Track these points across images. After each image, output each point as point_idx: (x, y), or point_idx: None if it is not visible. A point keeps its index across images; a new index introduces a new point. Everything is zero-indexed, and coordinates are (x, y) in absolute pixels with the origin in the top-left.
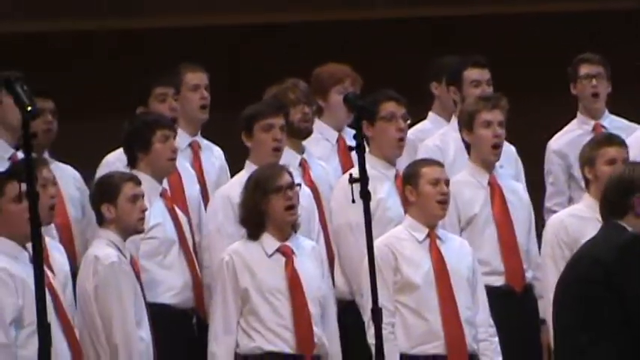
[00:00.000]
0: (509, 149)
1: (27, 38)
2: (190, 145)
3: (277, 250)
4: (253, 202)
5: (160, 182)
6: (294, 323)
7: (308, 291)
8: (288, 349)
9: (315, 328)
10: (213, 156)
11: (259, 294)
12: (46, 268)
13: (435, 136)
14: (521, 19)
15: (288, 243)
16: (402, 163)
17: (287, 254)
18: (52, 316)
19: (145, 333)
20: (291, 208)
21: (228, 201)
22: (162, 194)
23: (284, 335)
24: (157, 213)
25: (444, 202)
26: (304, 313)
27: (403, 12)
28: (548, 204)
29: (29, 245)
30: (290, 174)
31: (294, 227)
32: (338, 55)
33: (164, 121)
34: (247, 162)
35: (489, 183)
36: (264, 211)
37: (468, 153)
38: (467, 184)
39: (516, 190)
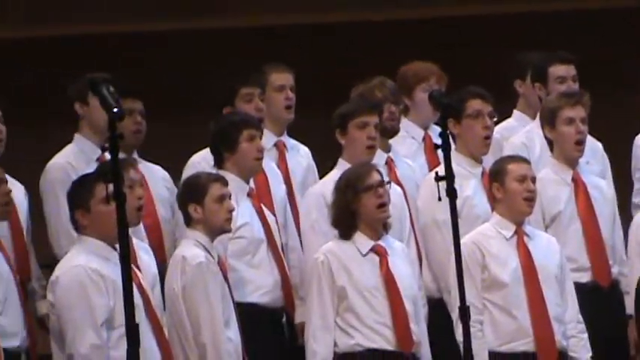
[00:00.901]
0: (595, 145)
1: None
2: (276, 145)
3: (371, 249)
4: (345, 202)
5: (247, 182)
6: (392, 320)
7: (402, 289)
8: (388, 346)
9: (412, 326)
10: (300, 155)
11: (357, 292)
12: (135, 269)
13: (521, 133)
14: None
15: (380, 242)
16: (488, 161)
17: (381, 253)
18: (141, 316)
19: (233, 333)
20: (383, 205)
21: (322, 199)
22: (250, 194)
23: (383, 332)
24: (244, 212)
25: (530, 199)
26: (402, 311)
27: (484, 8)
28: (635, 200)
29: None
30: (379, 172)
31: (385, 227)
32: (423, 52)
33: (251, 121)
34: (340, 160)
35: (573, 179)
36: (355, 210)
37: (551, 149)
38: (550, 181)
39: (600, 186)
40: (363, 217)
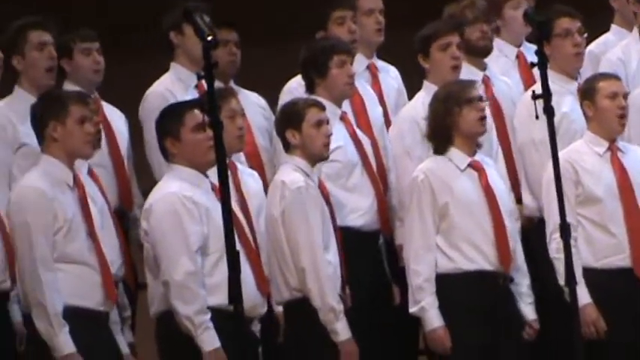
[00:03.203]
0: None
1: None
2: (368, 67)
3: (468, 164)
4: (444, 116)
5: (339, 106)
6: (495, 237)
7: (502, 205)
8: (488, 265)
9: (511, 243)
10: (390, 77)
11: (460, 208)
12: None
13: (617, 48)
14: None
15: (476, 158)
16: (586, 76)
17: (479, 168)
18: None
19: (332, 256)
20: (483, 119)
21: (415, 123)
22: (342, 118)
23: (486, 250)
24: (337, 136)
25: (622, 116)
26: (503, 228)
27: None
28: None
29: (210, 173)
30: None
31: (477, 144)
32: None
33: (341, 46)
34: (425, 82)
35: None
36: (454, 123)
37: None
38: None
39: None
40: (460, 131)
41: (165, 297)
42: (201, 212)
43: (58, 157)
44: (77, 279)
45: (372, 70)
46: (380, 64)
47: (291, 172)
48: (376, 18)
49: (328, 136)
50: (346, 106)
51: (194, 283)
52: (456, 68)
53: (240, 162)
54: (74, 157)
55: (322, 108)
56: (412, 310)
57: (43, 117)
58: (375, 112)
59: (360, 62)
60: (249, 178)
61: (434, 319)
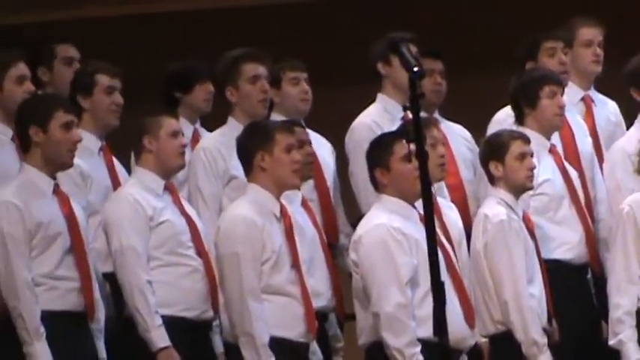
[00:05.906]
0: None
1: None
2: (583, 99)
3: None
4: None
5: (548, 138)
6: None
7: None
8: None
9: None
10: (608, 110)
11: None
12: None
13: None
14: None
15: None
16: None
17: None
18: (444, 275)
19: (536, 289)
20: None
21: (626, 155)
22: (551, 150)
23: None
24: (546, 169)
25: None
26: None
27: None
28: None
29: (418, 204)
30: None
31: None
32: None
33: (552, 77)
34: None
35: None
36: None
37: None
38: None
39: None
40: None
41: (374, 328)
42: (410, 243)
43: (266, 187)
44: (280, 310)
45: (587, 101)
46: (598, 97)
47: (494, 206)
48: (594, 50)
49: (531, 169)
50: (555, 137)
51: (404, 315)
52: None
53: (443, 194)
54: (282, 187)
55: (527, 141)
56: (611, 342)
57: (250, 147)
58: (584, 144)
59: (575, 93)
60: (448, 211)
61: (631, 353)
